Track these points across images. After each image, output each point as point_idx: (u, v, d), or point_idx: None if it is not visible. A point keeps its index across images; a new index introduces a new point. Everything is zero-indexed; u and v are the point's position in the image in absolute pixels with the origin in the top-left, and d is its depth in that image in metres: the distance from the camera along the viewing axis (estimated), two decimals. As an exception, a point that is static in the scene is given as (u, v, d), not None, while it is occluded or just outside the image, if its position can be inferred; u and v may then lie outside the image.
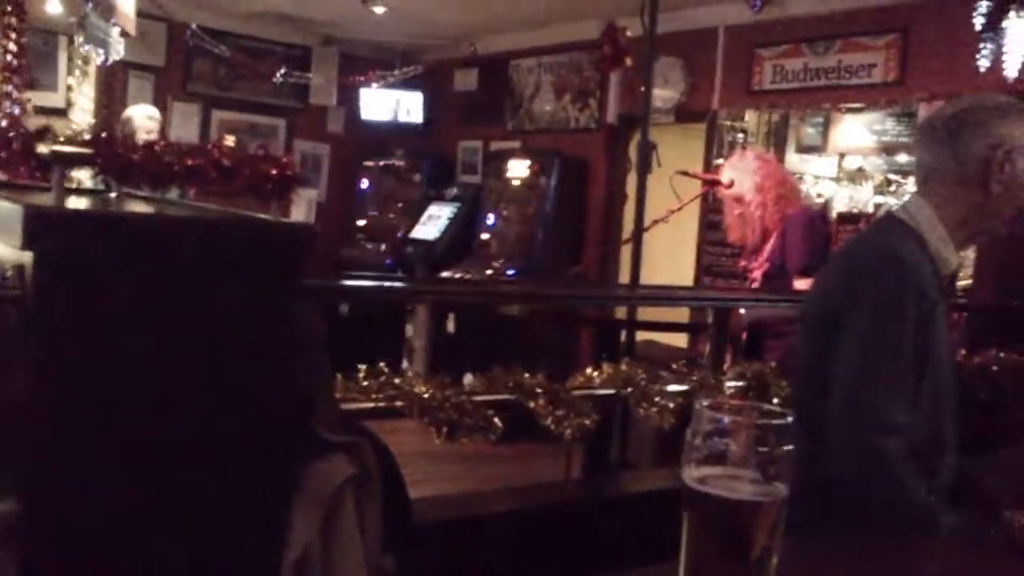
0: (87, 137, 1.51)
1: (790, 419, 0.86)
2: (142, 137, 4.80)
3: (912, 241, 1.76)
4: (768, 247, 3.48)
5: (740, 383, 2.55)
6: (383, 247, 7.16)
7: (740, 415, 0.87)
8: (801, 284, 3.30)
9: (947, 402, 1.77)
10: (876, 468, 1.61)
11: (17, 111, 4.20)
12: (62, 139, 1.39)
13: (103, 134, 1.41)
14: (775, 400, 2.52)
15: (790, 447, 0.86)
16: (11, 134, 1.41)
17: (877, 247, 1.79)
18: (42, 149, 1.31)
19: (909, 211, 1.82)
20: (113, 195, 1.86)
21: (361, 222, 7.55)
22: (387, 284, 2.21)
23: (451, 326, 6.12)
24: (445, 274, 6.38)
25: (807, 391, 1.81)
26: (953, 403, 1.79)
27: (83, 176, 2.10)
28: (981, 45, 4.22)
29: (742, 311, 3.16)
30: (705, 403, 0.88)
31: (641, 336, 3.61)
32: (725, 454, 0.86)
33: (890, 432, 1.62)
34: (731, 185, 3.78)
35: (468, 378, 2.19)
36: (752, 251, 3.56)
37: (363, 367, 1.92)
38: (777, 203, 3.45)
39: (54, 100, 6.02)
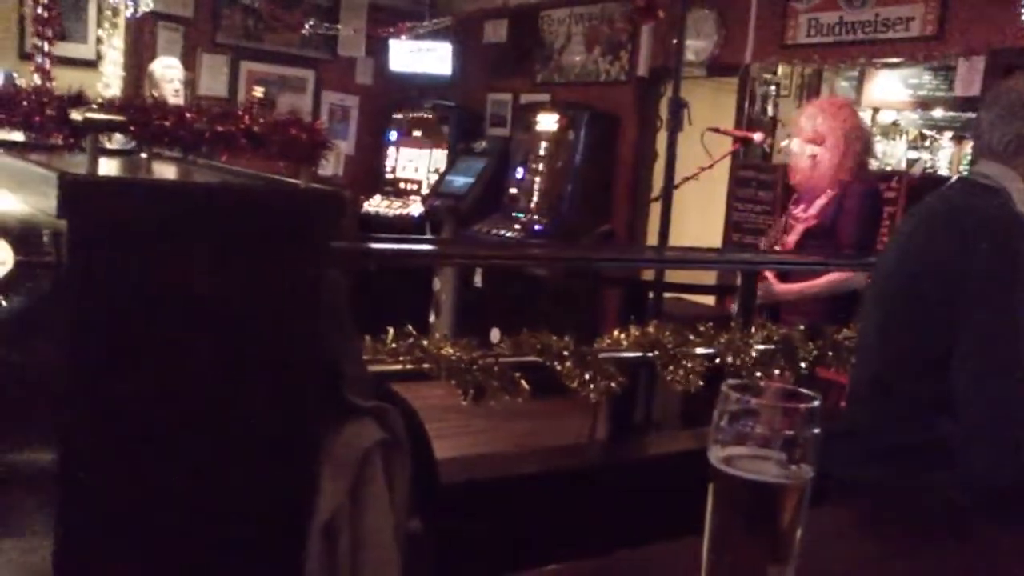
0: (120, 100, 1.52)
1: (817, 402, 0.86)
2: (166, 88, 4.82)
3: (1010, 203, 1.73)
4: (820, 203, 3.32)
5: (768, 346, 2.55)
6: (411, 200, 7.16)
7: (766, 397, 0.87)
8: None
9: None
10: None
11: (48, 64, 4.21)
12: (95, 105, 1.39)
13: (136, 101, 1.41)
14: (803, 364, 2.52)
15: (816, 430, 0.86)
16: (45, 99, 1.42)
17: (985, 214, 1.73)
18: (76, 116, 1.32)
19: (990, 176, 1.78)
20: (143, 156, 1.88)
21: (389, 175, 7.54)
22: (415, 247, 2.22)
23: (478, 280, 6.14)
24: (473, 229, 6.38)
25: (911, 364, 1.77)
26: None
27: (114, 135, 2.11)
28: (1024, -1, 4.12)
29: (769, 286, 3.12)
30: (732, 384, 0.88)
31: (669, 292, 3.60)
32: (751, 435, 0.86)
33: None
34: (764, 140, 3.72)
35: (495, 333, 2.21)
36: (806, 203, 3.41)
37: (391, 329, 1.94)
38: (856, 158, 3.29)
39: (84, 52, 6.03)
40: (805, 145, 3.32)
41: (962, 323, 1.66)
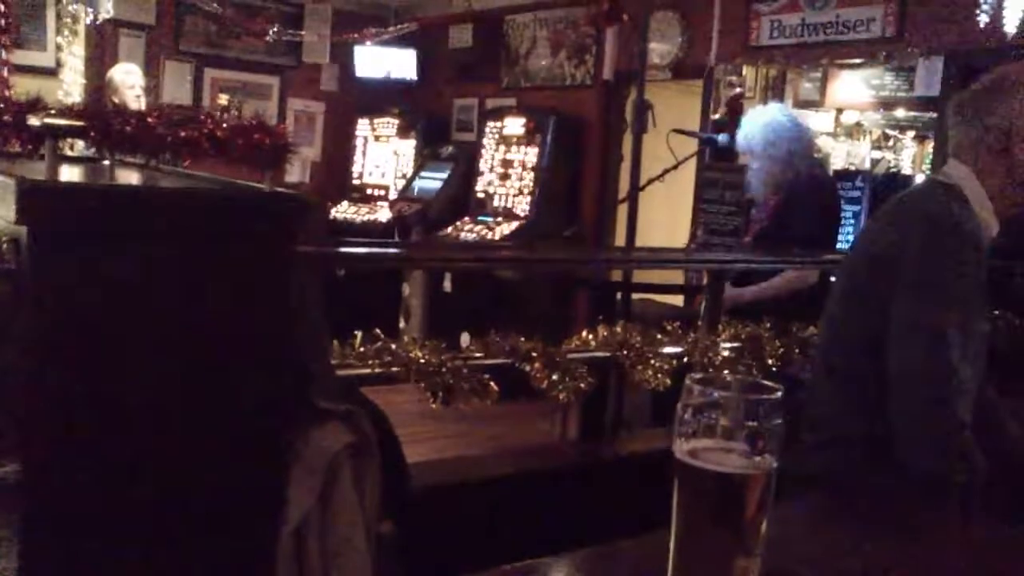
0: (79, 106, 1.50)
1: (779, 393, 0.87)
2: (126, 94, 4.77)
3: (962, 202, 1.78)
4: (771, 204, 3.47)
5: (735, 344, 2.57)
6: (378, 206, 7.13)
7: (729, 390, 0.88)
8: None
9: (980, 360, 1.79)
10: (948, 435, 1.63)
11: (5, 72, 4.15)
12: (54, 110, 1.38)
13: (95, 104, 1.40)
14: (770, 362, 2.54)
15: (779, 420, 0.87)
16: (1, 106, 1.40)
17: (935, 210, 1.80)
18: (34, 121, 1.30)
19: (951, 176, 1.84)
20: (106, 163, 1.86)
21: (356, 180, 7.52)
22: (383, 251, 2.22)
23: (448, 285, 6.13)
24: (441, 234, 6.37)
25: (860, 350, 1.80)
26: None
27: (76, 143, 2.08)
28: (981, 0, 4.19)
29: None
30: (695, 377, 0.89)
31: (637, 294, 3.62)
32: (715, 428, 0.87)
33: (960, 395, 1.64)
34: (727, 143, 3.78)
35: (465, 338, 2.21)
36: (760, 205, 3.56)
37: (359, 333, 1.94)
38: (789, 159, 3.41)
39: (43, 60, 5.95)
40: (749, 160, 3.48)
41: (893, 310, 1.72)
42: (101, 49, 6.12)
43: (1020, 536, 1.26)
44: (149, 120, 1.37)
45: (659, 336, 2.44)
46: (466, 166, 6.77)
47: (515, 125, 6.49)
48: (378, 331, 1.97)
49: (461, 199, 6.68)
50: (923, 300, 1.70)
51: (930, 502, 1.45)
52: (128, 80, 4.86)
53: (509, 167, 6.47)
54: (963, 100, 1.86)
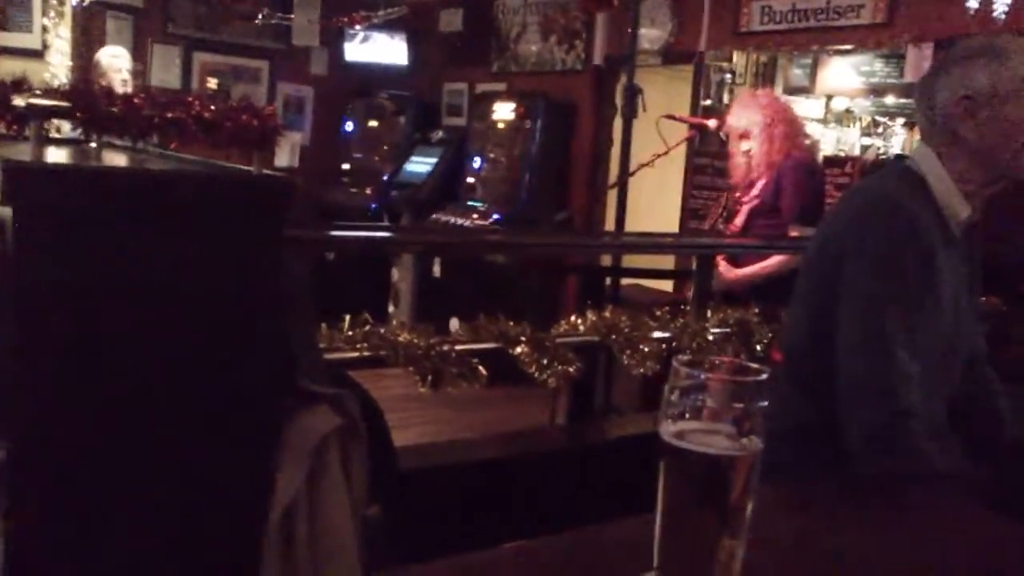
0: (65, 87, 1.49)
1: (765, 375, 0.87)
2: (113, 78, 4.72)
3: (916, 188, 1.75)
4: (760, 184, 3.49)
5: (723, 329, 2.58)
6: (368, 191, 7.11)
7: (716, 371, 0.88)
8: (795, 232, 3.31)
9: (949, 350, 1.76)
10: (888, 423, 1.60)
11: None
12: (39, 91, 1.37)
13: (81, 85, 1.39)
14: (758, 347, 2.55)
15: (765, 402, 0.87)
16: (-15, 86, 1.39)
17: (876, 194, 1.78)
18: (18, 101, 1.29)
19: (916, 159, 1.81)
20: (92, 145, 1.84)
21: (346, 165, 7.49)
22: (372, 235, 2.21)
23: (437, 270, 6.12)
24: (431, 218, 6.36)
25: (804, 340, 1.80)
26: (957, 351, 1.79)
27: (63, 125, 2.07)
28: (970, -14, 4.19)
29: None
30: (682, 359, 0.89)
31: (626, 279, 3.63)
32: (701, 409, 0.87)
33: (900, 381, 1.60)
34: (719, 127, 3.79)
35: (454, 322, 2.22)
36: (747, 187, 3.57)
37: (347, 317, 1.94)
38: (784, 141, 3.45)
39: (29, 42, 5.89)
40: (739, 142, 3.46)
41: (837, 299, 1.69)
42: (88, 31, 6.07)
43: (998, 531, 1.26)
44: (136, 102, 1.36)
45: (648, 321, 2.44)
46: (456, 151, 6.76)
47: (505, 110, 6.47)
48: (367, 315, 1.97)
49: (451, 184, 6.67)
50: (862, 303, 1.66)
51: (875, 492, 1.43)
52: (115, 64, 4.81)
53: (499, 152, 6.46)
54: (919, 85, 1.83)
